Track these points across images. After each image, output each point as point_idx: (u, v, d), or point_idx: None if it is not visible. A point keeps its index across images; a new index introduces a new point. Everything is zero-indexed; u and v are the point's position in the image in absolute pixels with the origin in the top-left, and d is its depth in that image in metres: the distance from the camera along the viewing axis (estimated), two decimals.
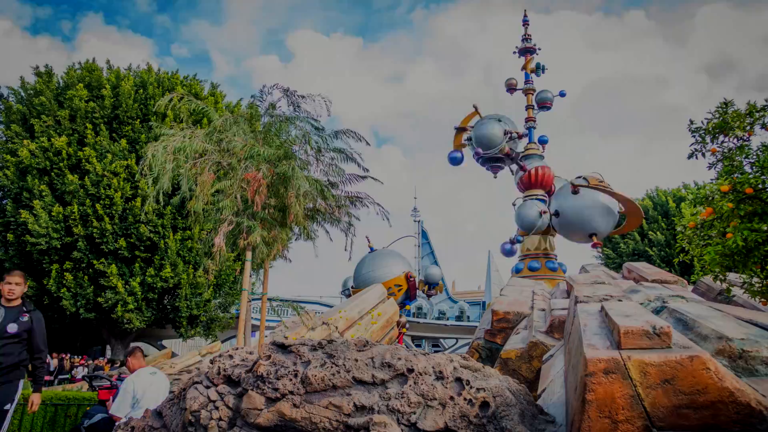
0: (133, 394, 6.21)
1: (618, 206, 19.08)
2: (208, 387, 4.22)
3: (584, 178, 19.11)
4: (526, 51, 23.26)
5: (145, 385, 6.34)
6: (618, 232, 21.63)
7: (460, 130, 21.67)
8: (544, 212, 19.96)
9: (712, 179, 5.54)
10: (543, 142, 22.58)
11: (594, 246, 19.16)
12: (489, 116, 20.82)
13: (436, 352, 6.14)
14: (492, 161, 21.32)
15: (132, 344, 19.64)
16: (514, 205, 21.46)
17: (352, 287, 25.08)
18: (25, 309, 5.69)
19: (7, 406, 5.57)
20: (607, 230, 19.30)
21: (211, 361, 4.46)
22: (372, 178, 8.81)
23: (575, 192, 18.91)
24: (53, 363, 22.67)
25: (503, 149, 20.35)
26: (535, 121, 22.80)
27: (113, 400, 6.55)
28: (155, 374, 6.65)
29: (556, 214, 19.72)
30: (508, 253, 21.14)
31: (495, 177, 22.13)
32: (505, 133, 20.26)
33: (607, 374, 3.10)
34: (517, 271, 20.89)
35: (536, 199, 21.68)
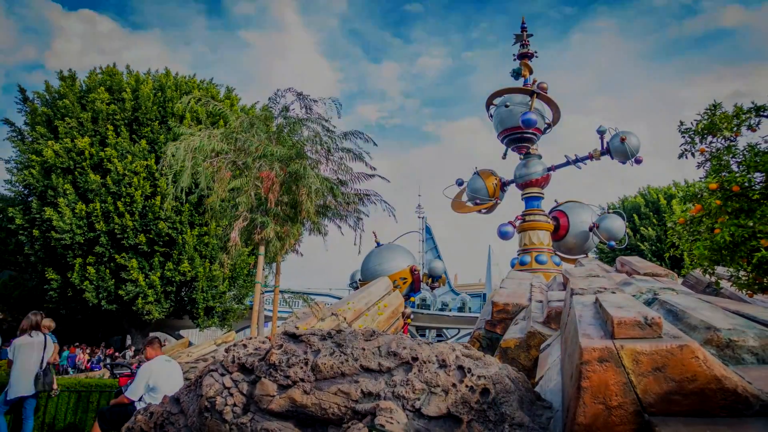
0: (148, 380, 6.27)
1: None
2: (223, 375, 4.26)
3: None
4: (524, 56, 23.21)
5: (161, 372, 6.40)
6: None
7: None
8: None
9: (701, 178, 5.53)
10: None
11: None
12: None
13: (439, 341, 6.16)
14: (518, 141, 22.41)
15: (151, 334, 19.73)
16: None
17: (359, 280, 25.18)
18: None
19: None
20: None
21: (226, 350, 4.49)
22: (379, 176, 8.79)
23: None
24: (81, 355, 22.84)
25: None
26: None
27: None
28: (170, 362, 6.72)
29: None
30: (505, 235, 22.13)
31: (521, 158, 22.48)
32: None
33: (601, 362, 3.11)
34: (517, 264, 20.93)
35: (533, 196, 21.74)
